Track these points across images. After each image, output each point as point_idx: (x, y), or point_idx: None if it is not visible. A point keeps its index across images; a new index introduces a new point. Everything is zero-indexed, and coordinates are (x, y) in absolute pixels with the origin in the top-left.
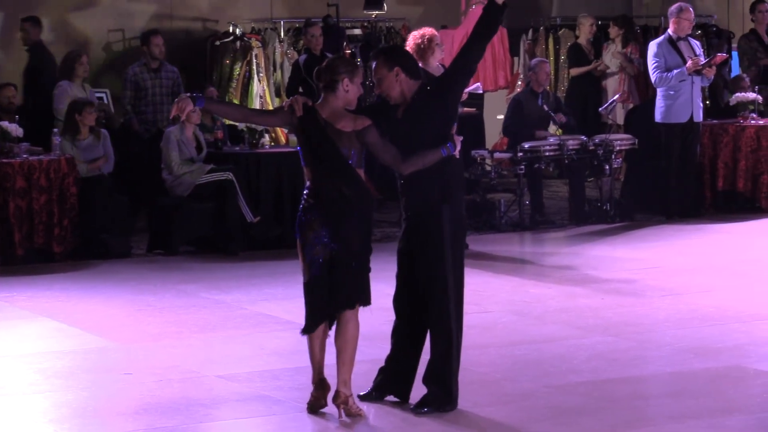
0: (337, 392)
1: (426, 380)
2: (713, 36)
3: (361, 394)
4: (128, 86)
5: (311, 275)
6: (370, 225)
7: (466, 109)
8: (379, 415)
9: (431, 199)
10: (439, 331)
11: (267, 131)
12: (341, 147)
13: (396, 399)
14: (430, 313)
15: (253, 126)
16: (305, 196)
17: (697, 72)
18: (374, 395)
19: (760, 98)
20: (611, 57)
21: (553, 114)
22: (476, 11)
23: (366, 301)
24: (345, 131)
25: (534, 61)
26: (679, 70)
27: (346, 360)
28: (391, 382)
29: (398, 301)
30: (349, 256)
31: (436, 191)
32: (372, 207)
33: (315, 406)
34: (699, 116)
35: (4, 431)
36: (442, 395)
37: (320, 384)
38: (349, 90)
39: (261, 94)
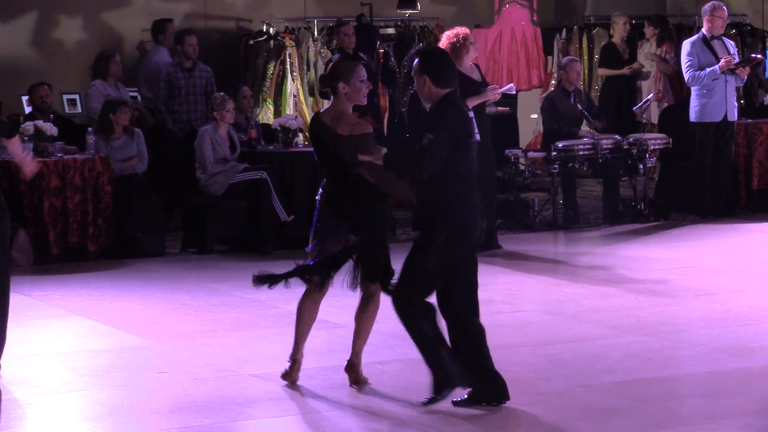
0: (352, 363)
1: None
2: (747, 35)
3: (456, 400)
4: (161, 85)
5: (321, 257)
6: (378, 216)
7: (499, 108)
8: (419, 411)
9: (429, 209)
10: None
11: (301, 130)
12: (343, 151)
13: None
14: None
15: (287, 125)
16: (319, 192)
17: (731, 71)
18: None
19: None
20: (644, 57)
21: (586, 113)
22: (509, 10)
23: (386, 282)
24: (343, 135)
25: (565, 59)
26: (711, 69)
27: (363, 333)
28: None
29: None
30: (365, 243)
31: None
32: (371, 204)
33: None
34: (733, 115)
35: (39, 429)
36: (434, 381)
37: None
38: (347, 91)
39: (294, 93)
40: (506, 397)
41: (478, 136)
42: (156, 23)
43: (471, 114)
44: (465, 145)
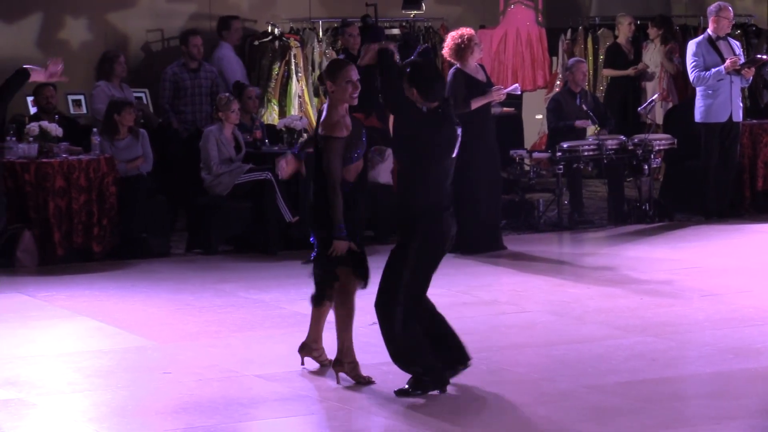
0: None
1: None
2: (753, 36)
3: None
4: (166, 86)
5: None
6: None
7: (504, 109)
8: (424, 411)
9: (404, 218)
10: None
11: (306, 131)
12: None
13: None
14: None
15: (292, 125)
16: None
17: (736, 72)
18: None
19: None
20: (651, 56)
21: (592, 113)
22: (515, 11)
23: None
24: (319, 133)
25: (571, 60)
26: (716, 69)
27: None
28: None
29: None
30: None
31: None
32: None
33: None
34: (738, 116)
35: (43, 430)
36: (412, 376)
37: None
38: (333, 90)
39: (299, 93)
40: (469, 358)
41: (455, 153)
42: (221, 19)
43: (459, 132)
44: (443, 155)
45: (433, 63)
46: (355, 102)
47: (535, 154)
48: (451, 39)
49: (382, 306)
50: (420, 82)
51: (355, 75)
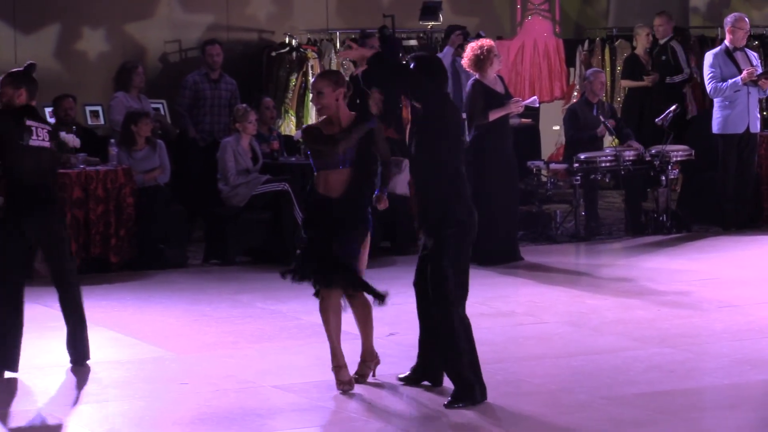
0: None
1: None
2: None
3: (401, 376)
4: (186, 93)
5: None
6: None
7: (523, 120)
8: (440, 417)
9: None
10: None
11: None
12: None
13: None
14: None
15: None
16: None
17: (753, 83)
18: (412, 378)
19: None
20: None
21: (609, 126)
22: (532, 22)
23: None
24: None
25: (589, 71)
26: (733, 81)
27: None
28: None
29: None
30: None
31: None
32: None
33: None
34: (756, 127)
35: None
36: (459, 390)
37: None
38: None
39: None
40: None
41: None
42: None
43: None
44: (459, 140)
45: (436, 57)
46: (325, 114)
47: (553, 165)
48: (470, 50)
49: (441, 318)
50: (411, 88)
51: (318, 86)
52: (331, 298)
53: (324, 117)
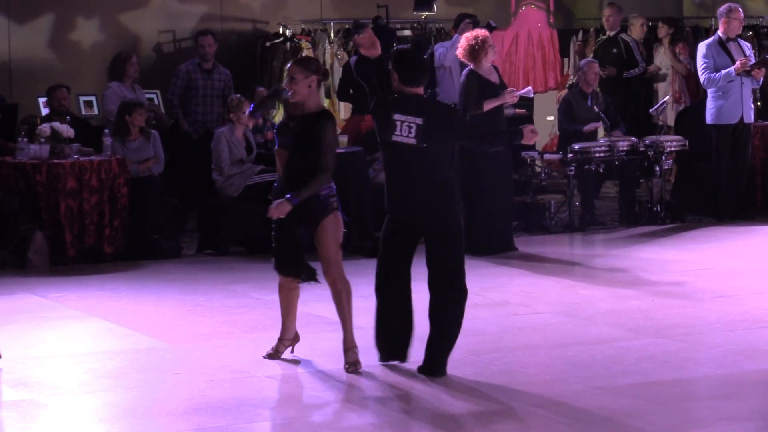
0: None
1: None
2: (764, 37)
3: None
4: (179, 82)
5: None
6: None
7: (517, 110)
8: (432, 404)
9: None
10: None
11: None
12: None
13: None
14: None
15: None
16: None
17: (746, 73)
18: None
19: None
20: (661, 58)
21: (603, 115)
22: (526, 12)
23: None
24: None
25: (583, 61)
26: (726, 71)
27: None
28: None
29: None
30: None
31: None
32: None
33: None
34: (750, 117)
35: (55, 431)
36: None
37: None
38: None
39: None
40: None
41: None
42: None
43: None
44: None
45: (419, 50)
46: (290, 94)
47: (547, 156)
48: (465, 40)
49: (459, 303)
50: (400, 67)
51: (290, 70)
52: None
53: (294, 102)
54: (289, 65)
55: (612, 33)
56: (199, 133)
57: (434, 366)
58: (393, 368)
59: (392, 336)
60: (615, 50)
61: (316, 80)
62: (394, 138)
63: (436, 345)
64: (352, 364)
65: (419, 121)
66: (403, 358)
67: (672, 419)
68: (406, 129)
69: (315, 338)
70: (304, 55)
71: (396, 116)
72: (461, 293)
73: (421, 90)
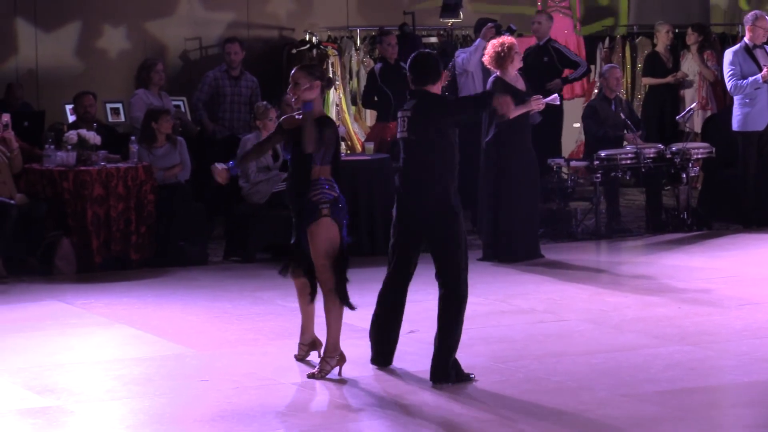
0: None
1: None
2: None
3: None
4: (205, 88)
5: None
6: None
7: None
8: (460, 413)
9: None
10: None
11: (343, 139)
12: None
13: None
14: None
15: None
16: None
17: None
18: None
19: None
20: (689, 65)
21: (628, 121)
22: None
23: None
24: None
25: (605, 67)
26: (753, 78)
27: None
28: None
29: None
30: None
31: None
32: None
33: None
34: None
35: None
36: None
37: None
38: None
39: (337, 102)
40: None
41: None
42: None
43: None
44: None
45: (428, 52)
46: (294, 100)
47: (573, 163)
48: (491, 47)
49: (461, 299)
50: (409, 67)
51: (294, 75)
52: (297, 281)
53: (286, 118)
54: (293, 71)
55: (542, 41)
56: (224, 135)
57: (434, 372)
58: (417, 375)
59: (386, 342)
60: (546, 59)
61: (319, 86)
62: (398, 136)
63: (435, 350)
64: (319, 373)
65: (409, 114)
66: (388, 363)
67: (698, 427)
68: (401, 124)
69: (343, 345)
70: (330, 62)
71: (399, 114)
72: (457, 299)
73: (431, 89)
